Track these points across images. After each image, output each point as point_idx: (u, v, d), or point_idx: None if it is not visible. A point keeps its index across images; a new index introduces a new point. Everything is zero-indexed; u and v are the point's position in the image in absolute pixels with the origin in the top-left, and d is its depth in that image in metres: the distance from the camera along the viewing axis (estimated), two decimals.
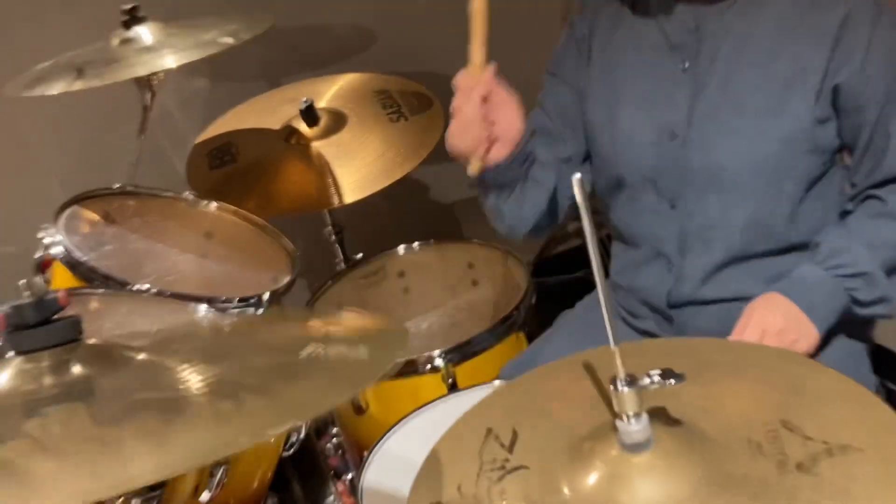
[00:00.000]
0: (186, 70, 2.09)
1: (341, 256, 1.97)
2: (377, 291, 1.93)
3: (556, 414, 0.94)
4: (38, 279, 1.46)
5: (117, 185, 1.67)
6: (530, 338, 1.69)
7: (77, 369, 0.83)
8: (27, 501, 0.67)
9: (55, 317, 0.84)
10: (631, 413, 0.81)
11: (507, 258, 1.88)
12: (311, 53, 2.30)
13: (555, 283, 2.25)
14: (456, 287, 1.92)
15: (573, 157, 1.42)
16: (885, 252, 1.21)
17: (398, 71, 2.05)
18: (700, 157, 1.27)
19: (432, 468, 0.91)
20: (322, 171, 1.83)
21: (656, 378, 0.83)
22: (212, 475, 1.19)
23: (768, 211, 1.27)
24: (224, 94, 2.18)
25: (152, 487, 1.02)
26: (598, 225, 1.54)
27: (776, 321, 1.19)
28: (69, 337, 0.84)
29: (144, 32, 1.61)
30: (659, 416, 0.85)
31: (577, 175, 0.80)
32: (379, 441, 1.37)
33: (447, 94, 1.94)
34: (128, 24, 1.61)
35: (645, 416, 0.82)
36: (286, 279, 1.59)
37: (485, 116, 1.25)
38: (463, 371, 1.59)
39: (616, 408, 0.82)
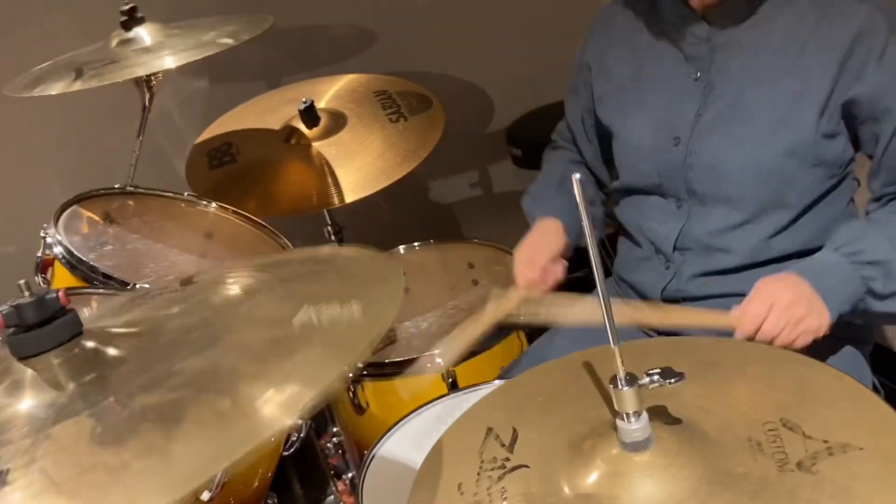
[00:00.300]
0: (186, 70, 2.09)
1: None
2: None
3: (557, 413, 0.94)
4: (38, 279, 1.48)
5: (117, 185, 1.68)
6: (530, 338, 1.69)
7: (77, 372, 0.83)
8: None
9: (55, 316, 0.84)
10: (631, 412, 0.81)
11: (507, 258, 1.88)
12: (311, 53, 2.31)
13: None
14: (456, 287, 1.91)
15: (589, 162, 1.54)
16: None
17: (398, 71, 2.05)
18: (702, 166, 1.29)
19: (433, 467, 0.91)
20: (322, 171, 1.83)
21: (656, 377, 0.83)
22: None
23: (770, 221, 1.28)
24: (224, 94, 2.18)
25: None
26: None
27: (786, 295, 1.16)
28: (69, 334, 0.84)
29: (144, 33, 1.61)
30: (659, 414, 0.85)
31: (577, 175, 0.80)
32: (379, 440, 1.37)
33: (447, 94, 1.97)
34: (127, 25, 1.61)
35: (645, 415, 0.82)
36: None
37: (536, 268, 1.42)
38: (463, 371, 1.59)
39: (616, 407, 0.82)
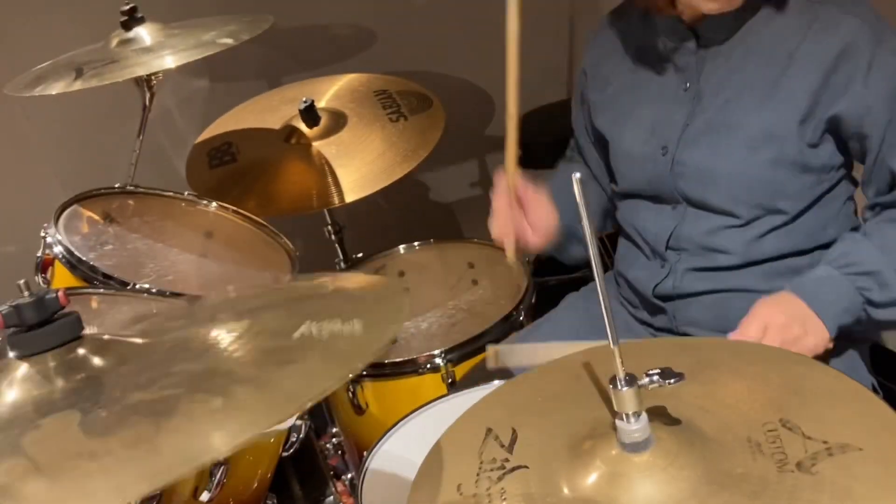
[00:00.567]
0: (186, 70, 2.09)
1: (341, 256, 1.97)
2: None
3: (556, 413, 0.94)
4: (38, 278, 1.48)
5: (117, 185, 1.68)
6: None
7: (74, 371, 0.83)
8: None
9: (55, 316, 0.84)
10: (630, 412, 0.81)
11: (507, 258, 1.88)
12: (311, 53, 2.31)
13: (555, 282, 2.25)
14: (456, 287, 1.91)
15: (595, 172, 1.54)
16: None
17: (398, 71, 2.05)
18: (689, 174, 1.30)
19: (432, 468, 0.91)
20: (322, 170, 1.83)
21: (656, 377, 0.83)
22: (211, 475, 1.19)
23: (763, 223, 1.28)
24: (224, 94, 2.18)
25: None
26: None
27: (779, 317, 1.18)
28: (70, 336, 0.84)
29: (143, 33, 1.61)
30: (658, 415, 0.85)
31: (577, 175, 0.80)
32: (379, 441, 1.37)
33: (447, 94, 1.97)
34: (127, 25, 1.61)
35: (644, 416, 0.82)
36: (286, 279, 1.59)
37: (516, 213, 1.36)
38: (463, 371, 1.59)
39: (616, 407, 0.82)
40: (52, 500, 0.70)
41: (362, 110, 1.94)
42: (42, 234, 1.51)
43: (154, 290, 1.44)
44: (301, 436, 1.45)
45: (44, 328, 0.83)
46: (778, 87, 1.23)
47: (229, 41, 1.57)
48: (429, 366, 1.59)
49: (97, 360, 0.84)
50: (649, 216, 1.38)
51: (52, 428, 0.77)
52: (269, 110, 1.97)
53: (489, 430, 0.93)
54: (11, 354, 0.83)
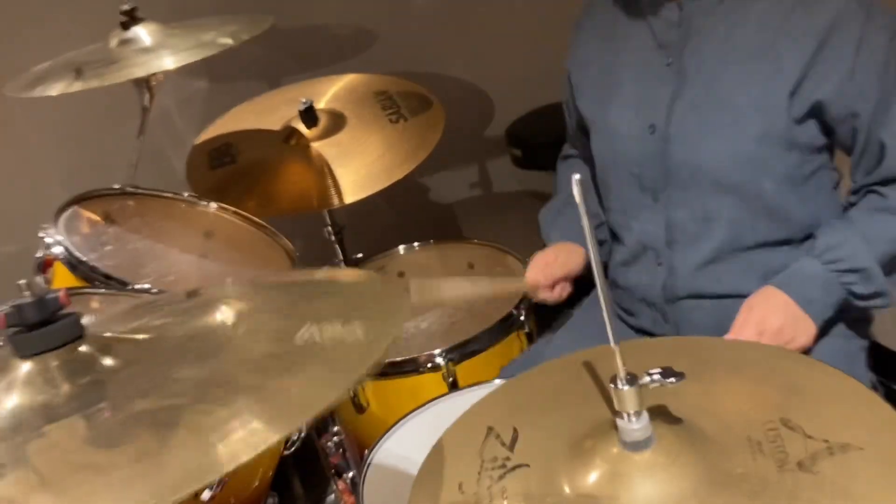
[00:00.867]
0: (186, 70, 2.09)
1: (341, 256, 1.97)
2: None
3: (557, 412, 0.94)
4: (39, 279, 1.48)
5: (117, 186, 1.68)
6: (530, 337, 1.70)
7: (75, 374, 0.83)
8: None
9: (55, 316, 0.84)
10: (631, 411, 0.81)
11: (506, 258, 1.88)
12: (311, 53, 2.30)
13: None
14: None
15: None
16: (883, 246, 1.21)
17: (398, 71, 2.05)
18: (679, 153, 1.29)
19: (433, 467, 0.91)
20: (322, 171, 1.83)
21: (656, 376, 0.83)
22: None
23: (749, 207, 1.28)
24: (224, 94, 2.18)
25: None
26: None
27: (774, 321, 1.19)
28: (70, 336, 0.84)
29: (143, 33, 1.61)
30: (659, 414, 0.85)
31: (577, 175, 0.80)
32: (380, 440, 1.37)
33: (447, 94, 1.97)
34: (127, 25, 1.61)
35: (645, 415, 0.82)
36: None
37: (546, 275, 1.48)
38: (463, 370, 1.60)
39: (616, 406, 0.82)
40: None
41: (362, 111, 1.94)
42: (42, 235, 1.51)
43: (154, 291, 1.44)
44: (302, 435, 1.46)
45: (45, 328, 0.83)
46: (767, 60, 1.23)
47: (229, 41, 1.57)
48: (429, 365, 1.60)
49: (99, 361, 0.84)
50: (637, 213, 1.37)
51: (57, 436, 0.77)
52: (269, 111, 1.97)
53: (490, 429, 0.93)
54: (13, 354, 0.83)
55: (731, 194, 1.27)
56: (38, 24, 1.98)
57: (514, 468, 0.87)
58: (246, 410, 0.76)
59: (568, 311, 1.58)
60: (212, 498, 1.15)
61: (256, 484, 1.38)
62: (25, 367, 0.83)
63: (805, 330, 1.21)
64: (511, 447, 0.90)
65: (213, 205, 1.70)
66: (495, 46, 2.40)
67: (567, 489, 0.83)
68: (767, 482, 0.78)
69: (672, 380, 0.83)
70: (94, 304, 1.43)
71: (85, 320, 0.86)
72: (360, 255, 1.97)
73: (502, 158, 2.47)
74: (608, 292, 0.83)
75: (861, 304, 1.23)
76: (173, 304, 1.03)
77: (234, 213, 1.70)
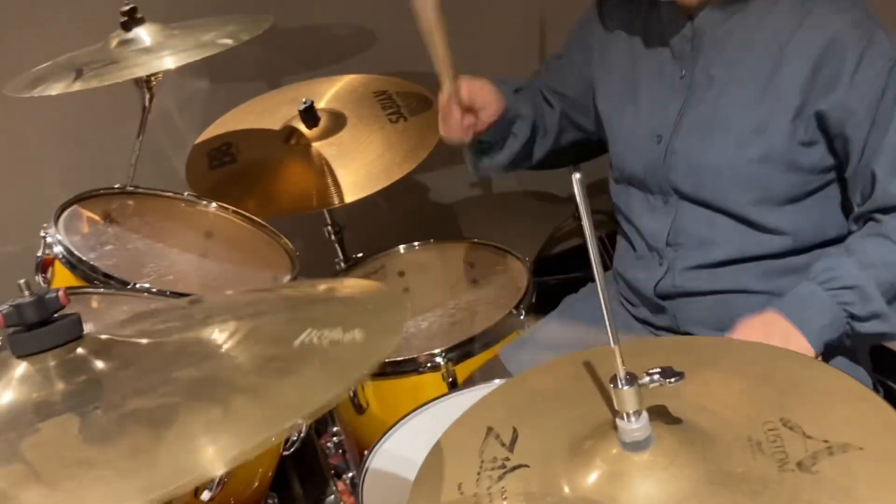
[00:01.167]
0: (186, 70, 2.09)
1: (341, 256, 1.97)
2: None
3: (557, 412, 0.94)
4: (38, 278, 1.48)
5: (117, 185, 1.68)
6: None
7: (72, 373, 0.83)
8: None
9: (55, 316, 0.84)
10: (631, 411, 0.81)
11: (507, 257, 1.88)
12: (311, 53, 2.30)
13: (555, 282, 2.25)
14: (456, 286, 1.91)
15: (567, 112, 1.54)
16: (880, 271, 1.20)
17: (398, 71, 2.05)
18: (681, 166, 1.30)
19: (433, 467, 0.91)
20: (322, 171, 1.83)
21: (656, 376, 0.83)
22: None
23: (751, 223, 1.29)
24: (224, 94, 2.18)
25: None
26: (598, 224, 1.56)
27: (756, 334, 1.18)
28: (69, 336, 0.84)
29: (143, 33, 1.61)
30: (659, 414, 0.85)
31: (577, 175, 0.80)
32: (379, 440, 1.37)
33: None
34: (127, 26, 1.61)
35: (645, 415, 0.82)
36: (286, 279, 1.59)
37: (466, 111, 1.40)
38: (463, 370, 1.60)
39: (616, 406, 0.82)
40: None
41: (362, 111, 1.94)
42: (42, 234, 1.51)
43: (154, 290, 1.44)
44: (302, 435, 1.46)
45: (44, 328, 0.83)
46: (771, 83, 1.23)
47: (229, 42, 1.57)
48: (429, 365, 1.59)
49: (97, 362, 0.84)
50: (646, 213, 1.38)
51: (50, 432, 0.77)
52: (269, 111, 1.97)
53: (490, 430, 0.93)
54: (11, 353, 0.83)
55: (732, 210, 1.28)
56: (38, 24, 1.98)
57: (513, 468, 0.87)
58: (241, 410, 0.76)
59: (573, 294, 1.59)
60: (211, 498, 1.16)
61: (256, 484, 1.39)
62: (23, 366, 0.83)
63: (796, 344, 1.18)
64: (511, 447, 0.90)
65: (213, 204, 1.71)
66: (495, 46, 2.40)
67: (567, 489, 0.83)
68: (767, 482, 0.78)
69: (672, 380, 0.83)
70: (94, 304, 1.43)
71: (85, 324, 0.86)
72: (360, 255, 1.97)
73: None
74: (607, 291, 0.83)
75: (863, 327, 1.20)
76: (174, 311, 1.03)
77: (234, 212, 1.70)
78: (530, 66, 2.28)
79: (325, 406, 0.76)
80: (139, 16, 1.62)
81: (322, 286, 1.12)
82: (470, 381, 1.54)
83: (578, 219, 0.80)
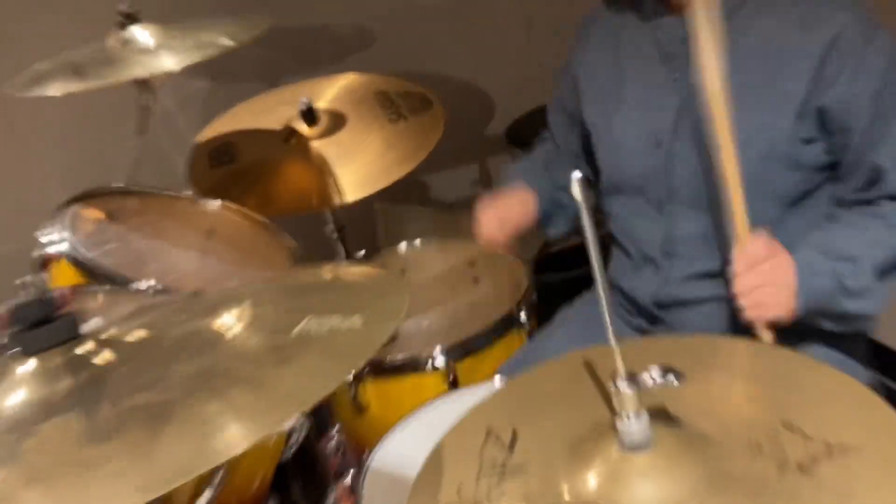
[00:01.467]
0: (186, 70, 2.08)
1: (343, 255, 1.97)
2: None
3: (556, 414, 0.94)
4: (38, 277, 1.47)
5: (119, 185, 1.68)
6: (531, 336, 1.70)
7: (75, 371, 0.83)
8: None
9: (57, 314, 0.84)
10: (631, 412, 0.81)
11: (506, 257, 1.88)
12: (311, 53, 2.31)
13: (556, 280, 2.25)
14: (457, 285, 1.91)
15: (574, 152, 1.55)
16: (875, 249, 1.20)
17: (398, 71, 2.05)
18: (683, 169, 1.29)
19: (433, 468, 0.91)
20: (321, 171, 1.83)
21: (656, 377, 0.83)
22: (212, 476, 1.18)
23: (753, 222, 1.27)
24: (224, 94, 2.18)
25: None
26: (598, 223, 1.55)
27: (772, 269, 1.18)
28: (70, 334, 0.84)
29: (143, 33, 1.61)
30: (659, 415, 0.85)
31: (578, 174, 0.80)
32: (380, 441, 1.37)
33: (447, 94, 1.97)
34: (125, 26, 1.61)
35: (645, 416, 0.82)
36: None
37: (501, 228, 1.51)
38: (464, 368, 1.60)
39: (616, 407, 0.82)
40: None
41: (362, 111, 1.94)
42: (41, 234, 1.51)
43: (156, 289, 1.44)
44: (302, 436, 1.45)
45: (45, 326, 0.83)
46: (772, 83, 1.23)
47: (229, 42, 1.57)
48: (430, 364, 1.59)
49: (98, 359, 0.84)
50: (641, 222, 1.37)
51: (51, 433, 0.77)
52: (269, 110, 1.97)
53: (490, 431, 0.93)
54: (13, 353, 0.83)
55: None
56: (38, 24, 1.98)
57: (513, 470, 0.87)
58: (240, 401, 0.76)
59: (568, 306, 1.58)
60: (211, 500, 1.15)
61: (256, 486, 1.38)
62: (25, 365, 0.83)
63: (786, 301, 1.17)
64: (510, 449, 0.90)
65: (215, 203, 1.70)
66: (495, 46, 2.40)
67: (566, 491, 0.83)
68: (767, 484, 0.78)
69: (672, 380, 0.83)
70: (96, 302, 1.43)
71: (85, 320, 0.86)
72: (361, 254, 1.97)
73: (502, 158, 2.47)
74: (608, 291, 0.83)
75: (851, 304, 1.20)
76: (174, 305, 1.03)
77: (236, 210, 1.70)
78: (531, 65, 2.30)
79: (325, 392, 0.76)
80: (138, 16, 1.62)
81: (321, 273, 1.12)
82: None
83: (578, 218, 0.80)
